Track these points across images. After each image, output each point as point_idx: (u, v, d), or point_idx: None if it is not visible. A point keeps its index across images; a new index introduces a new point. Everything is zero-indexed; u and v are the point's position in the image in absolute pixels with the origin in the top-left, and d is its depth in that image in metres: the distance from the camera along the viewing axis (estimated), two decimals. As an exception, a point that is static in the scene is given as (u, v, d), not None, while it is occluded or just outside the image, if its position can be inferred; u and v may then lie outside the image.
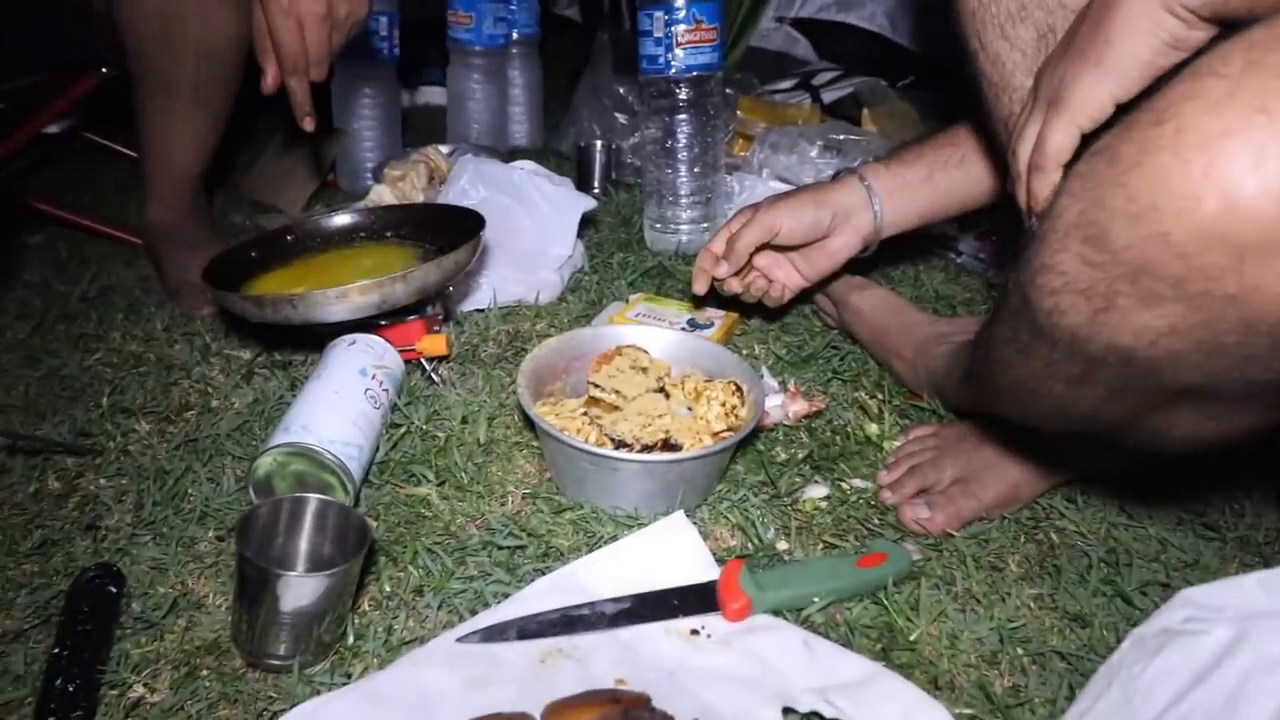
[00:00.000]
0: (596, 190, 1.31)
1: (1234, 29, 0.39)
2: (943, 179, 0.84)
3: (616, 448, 0.69)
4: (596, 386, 0.74)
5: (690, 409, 0.73)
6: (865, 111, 1.35)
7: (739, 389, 0.73)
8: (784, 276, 0.89)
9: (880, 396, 0.86)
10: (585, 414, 0.73)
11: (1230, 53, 0.35)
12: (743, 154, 1.30)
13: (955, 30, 0.67)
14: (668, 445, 0.69)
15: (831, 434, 0.82)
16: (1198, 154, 0.34)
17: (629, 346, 0.79)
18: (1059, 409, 0.52)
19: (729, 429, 0.71)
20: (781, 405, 0.81)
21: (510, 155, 1.48)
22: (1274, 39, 0.34)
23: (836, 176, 0.89)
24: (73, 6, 1.07)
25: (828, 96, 1.48)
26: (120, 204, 1.34)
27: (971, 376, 0.68)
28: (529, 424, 0.76)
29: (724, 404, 0.72)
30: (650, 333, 0.81)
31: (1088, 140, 0.47)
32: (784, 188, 1.18)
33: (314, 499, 0.58)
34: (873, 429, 0.81)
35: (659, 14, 1.04)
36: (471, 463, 0.74)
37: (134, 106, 1.06)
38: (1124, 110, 0.45)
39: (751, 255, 0.85)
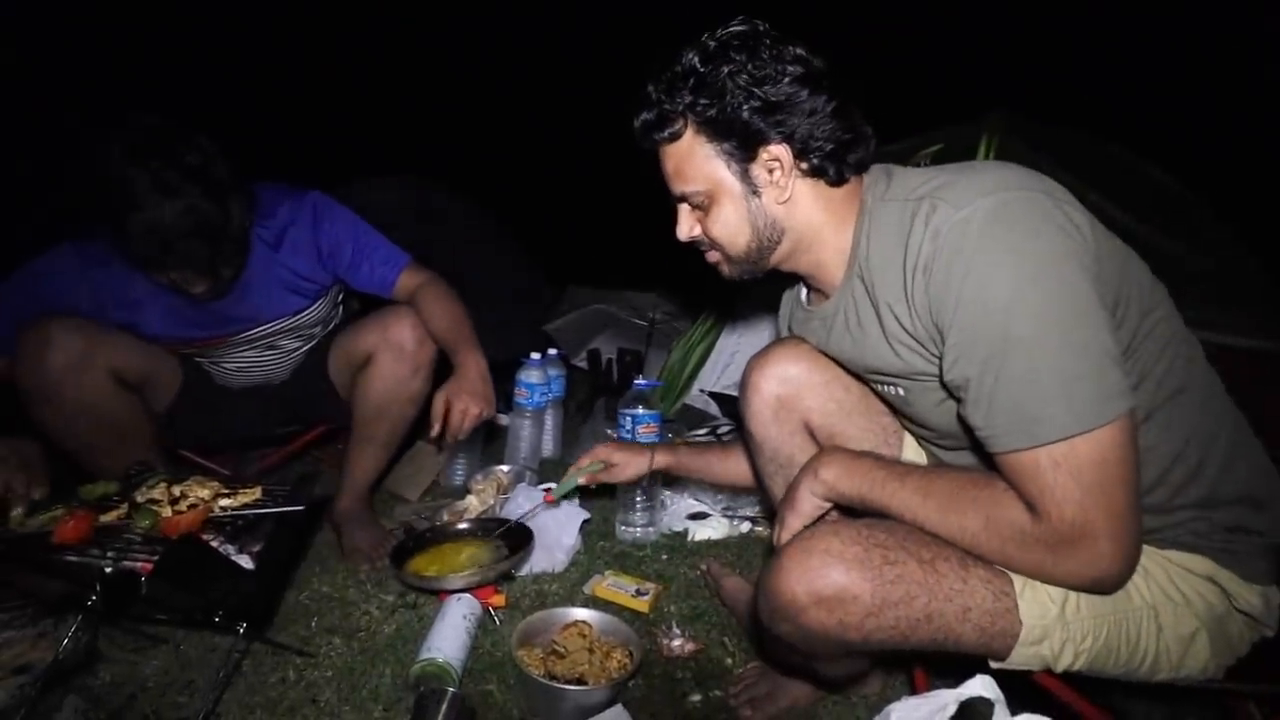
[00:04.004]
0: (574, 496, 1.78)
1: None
2: (692, 462, 1.33)
3: (551, 679, 1.03)
4: (555, 642, 1.11)
5: (602, 660, 1.08)
6: (745, 457, 1.89)
7: (630, 654, 1.09)
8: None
9: (735, 641, 1.25)
10: (543, 658, 1.08)
11: (795, 540, 0.82)
12: (675, 477, 1.80)
13: (756, 470, 1.17)
14: (579, 680, 1.03)
15: (707, 662, 1.20)
16: (785, 574, 0.78)
17: (581, 621, 1.15)
18: (776, 644, 0.90)
19: (620, 670, 1.05)
20: (681, 644, 1.21)
21: (542, 463, 1.98)
22: (811, 534, 0.80)
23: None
24: (331, 392, 1.59)
25: (726, 440, 2.03)
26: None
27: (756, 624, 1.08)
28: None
29: (619, 661, 1.07)
30: (590, 613, 1.17)
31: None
32: (696, 504, 1.67)
33: (450, 692, 0.96)
34: (728, 661, 1.20)
35: (629, 416, 1.61)
36: (517, 671, 1.12)
37: (347, 443, 1.54)
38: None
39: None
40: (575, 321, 2.98)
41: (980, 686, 0.68)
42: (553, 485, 1.40)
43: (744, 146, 0.83)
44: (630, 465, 1.33)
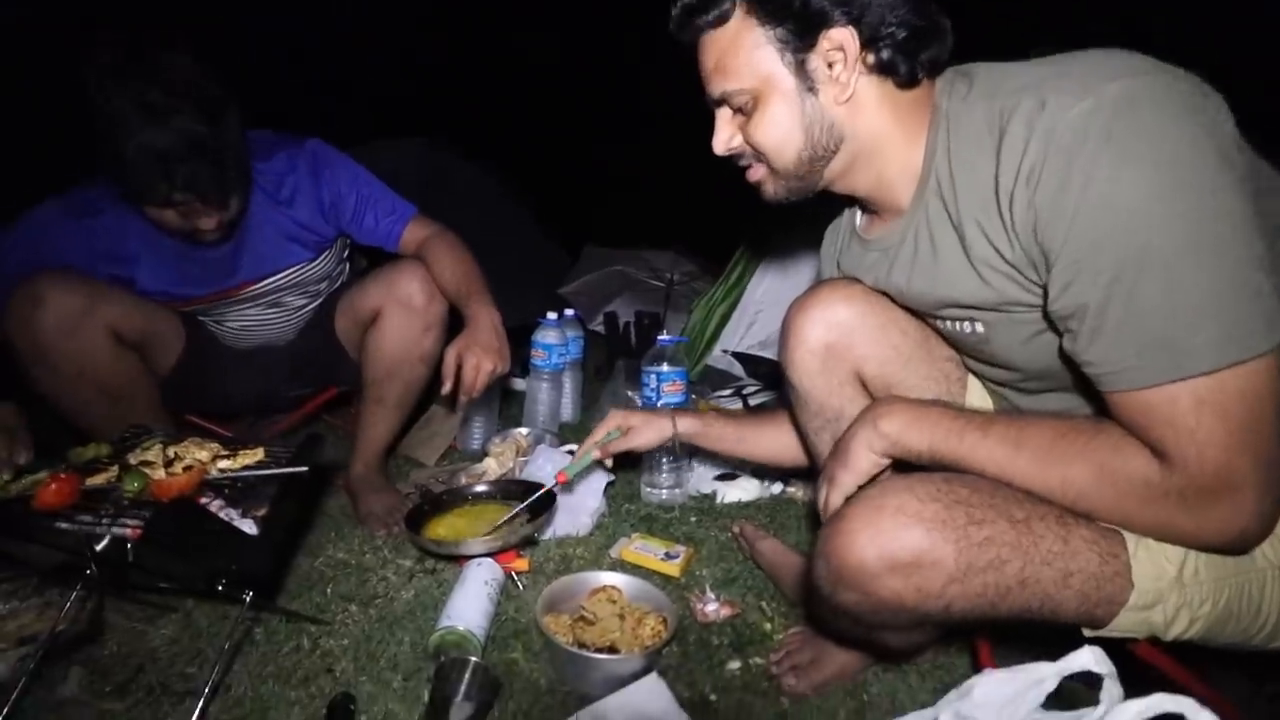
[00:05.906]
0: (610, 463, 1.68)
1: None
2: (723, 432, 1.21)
3: (580, 647, 0.94)
4: (583, 609, 1.02)
5: (634, 628, 0.99)
6: (773, 416, 1.78)
7: (664, 620, 1.00)
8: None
9: (773, 606, 1.16)
10: (570, 625, 0.99)
11: (864, 493, 0.71)
12: (701, 439, 1.70)
13: (799, 426, 1.06)
14: (610, 649, 0.94)
15: (744, 628, 1.11)
16: (853, 537, 0.68)
17: (610, 586, 1.05)
18: (836, 613, 0.80)
19: (654, 638, 0.97)
20: (716, 609, 1.12)
21: (562, 427, 1.88)
22: (881, 490, 0.69)
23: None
24: (339, 353, 1.50)
25: (753, 402, 1.92)
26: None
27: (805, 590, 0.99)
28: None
29: (652, 628, 0.98)
30: (619, 578, 1.07)
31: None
32: (724, 464, 1.56)
33: (472, 661, 0.88)
34: (767, 626, 1.11)
35: (653, 373, 1.50)
36: (541, 638, 1.04)
37: (359, 406, 1.45)
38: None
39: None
40: (591, 284, 2.85)
41: (1090, 659, 0.57)
42: (571, 455, 1.28)
43: (802, 31, 0.70)
44: (649, 429, 1.20)
